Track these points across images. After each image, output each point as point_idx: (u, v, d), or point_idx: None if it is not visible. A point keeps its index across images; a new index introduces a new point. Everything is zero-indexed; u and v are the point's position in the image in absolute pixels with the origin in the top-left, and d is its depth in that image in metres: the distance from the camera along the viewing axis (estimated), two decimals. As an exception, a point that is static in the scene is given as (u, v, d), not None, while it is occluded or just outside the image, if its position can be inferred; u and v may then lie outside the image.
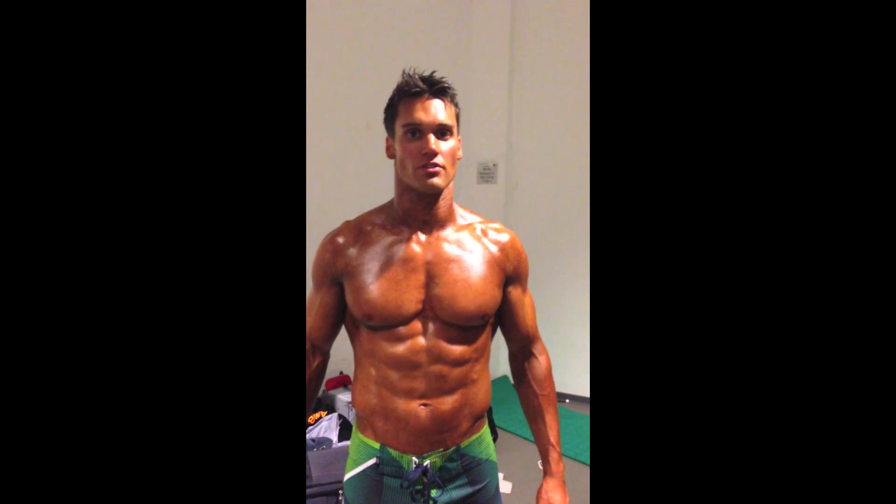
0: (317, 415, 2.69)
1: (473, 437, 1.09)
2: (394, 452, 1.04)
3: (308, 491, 2.02)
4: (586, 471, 2.62)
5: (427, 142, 0.97)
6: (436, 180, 0.98)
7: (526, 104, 3.63)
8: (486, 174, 3.67)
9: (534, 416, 1.18)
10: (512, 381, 1.24)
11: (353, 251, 1.04)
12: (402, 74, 1.01)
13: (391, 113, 1.03)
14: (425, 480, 1.04)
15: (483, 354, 1.09)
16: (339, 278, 1.06)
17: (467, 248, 1.05)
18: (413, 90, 0.98)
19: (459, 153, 1.03)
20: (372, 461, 1.06)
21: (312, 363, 1.13)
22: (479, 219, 1.11)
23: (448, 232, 1.06)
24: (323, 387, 2.95)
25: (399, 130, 1.00)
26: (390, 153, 1.05)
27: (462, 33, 3.54)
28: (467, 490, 1.08)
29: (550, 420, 1.15)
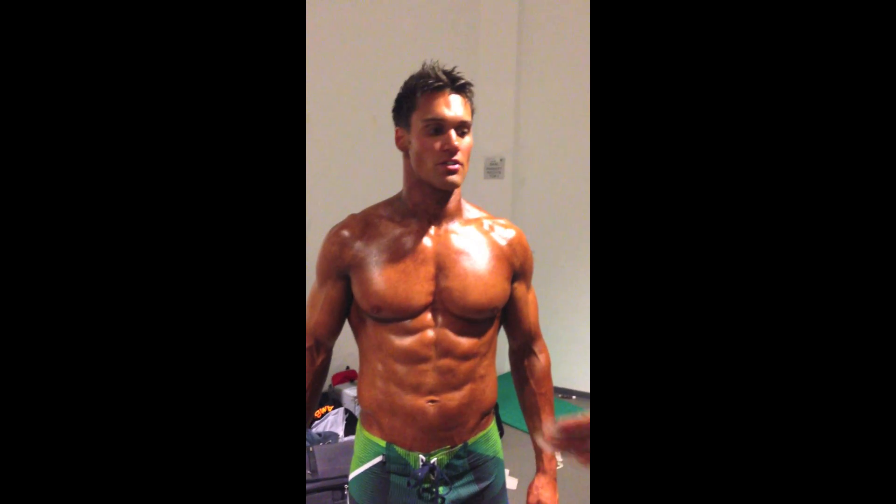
0: (323, 409, 2.70)
1: (480, 433, 1.08)
2: (400, 450, 1.04)
3: (314, 485, 2.03)
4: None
5: (450, 138, 0.96)
6: (454, 178, 0.98)
7: (533, 99, 3.62)
8: (493, 169, 3.66)
9: (530, 414, 1.19)
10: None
11: (359, 244, 1.03)
12: (423, 66, 0.99)
13: (409, 104, 1.00)
14: (432, 478, 1.03)
15: (490, 349, 1.08)
16: (346, 271, 1.05)
17: (476, 241, 1.05)
18: (436, 84, 0.97)
19: None
20: (378, 459, 1.05)
21: (317, 360, 1.12)
22: (485, 214, 1.11)
23: (456, 225, 1.05)
24: (329, 381, 2.98)
25: (419, 124, 0.98)
26: (401, 144, 1.03)
27: (470, 27, 3.52)
28: (474, 488, 1.07)
29: (546, 418, 1.16)
